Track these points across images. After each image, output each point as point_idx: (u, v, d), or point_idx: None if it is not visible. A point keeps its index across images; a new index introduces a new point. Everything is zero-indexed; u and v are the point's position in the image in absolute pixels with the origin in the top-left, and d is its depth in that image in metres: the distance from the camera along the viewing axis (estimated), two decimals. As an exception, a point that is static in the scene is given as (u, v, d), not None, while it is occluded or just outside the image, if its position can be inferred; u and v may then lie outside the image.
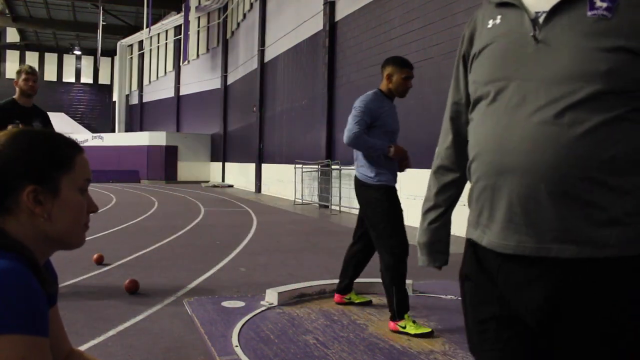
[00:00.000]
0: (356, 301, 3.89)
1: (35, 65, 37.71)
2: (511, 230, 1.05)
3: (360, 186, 3.51)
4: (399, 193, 3.55)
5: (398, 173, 3.56)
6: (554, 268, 1.01)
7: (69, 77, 39.07)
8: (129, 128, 33.11)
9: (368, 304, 3.88)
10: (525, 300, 1.05)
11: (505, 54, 1.08)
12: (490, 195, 1.09)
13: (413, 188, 8.69)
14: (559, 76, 0.99)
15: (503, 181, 1.04)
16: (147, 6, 26.02)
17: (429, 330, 3.24)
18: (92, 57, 37.39)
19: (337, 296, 3.92)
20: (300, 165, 14.22)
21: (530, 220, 1.01)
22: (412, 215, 9.58)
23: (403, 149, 3.45)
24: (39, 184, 0.97)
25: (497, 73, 1.08)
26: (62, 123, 34.12)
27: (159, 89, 30.68)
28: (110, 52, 36.70)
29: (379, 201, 3.40)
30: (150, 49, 31.25)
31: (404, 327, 3.24)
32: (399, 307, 3.29)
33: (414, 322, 3.27)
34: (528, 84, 1.02)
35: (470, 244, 1.23)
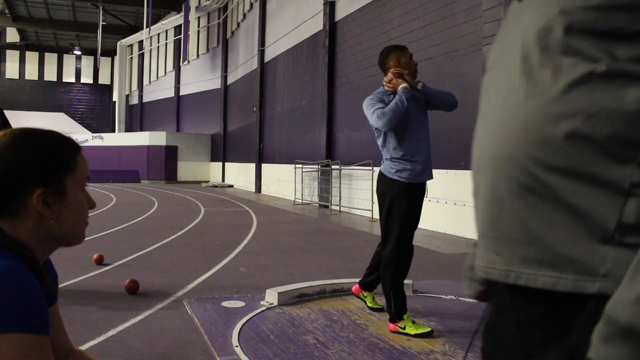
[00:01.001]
0: (369, 304, 3.78)
1: (35, 66, 37.82)
2: (484, 247, 0.82)
3: (381, 177, 3.39)
4: None
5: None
6: (529, 304, 0.74)
7: (69, 77, 39.06)
8: (129, 128, 33.11)
9: (378, 310, 3.76)
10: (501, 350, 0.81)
11: (500, 31, 0.89)
12: (475, 203, 0.86)
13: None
14: (526, 30, 0.76)
15: (478, 182, 0.83)
16: (147, 6, 26.02)
17: (429, 329, 3.23)
18: (92, 57, 37.39)
19: (356, 287, 3.86)
20: (300, 165, 14.22)
21: (498, 231, 0.77)
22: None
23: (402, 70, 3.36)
24: (47, 187, 0.97)
25: (491, 54, 0.89)
26: (62, 123, 34.15)
27: (159, 89, 30.68)
28: (110, 52, 36.70)
29: (395, 198, 3.28)
30: (150, 49, 31.24)
31: (404, 328, 3.24)
32: (397, 310, 3.28)
33: (413, 322, 3.27)
34: (508, 53, 0.81)
35: None
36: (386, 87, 3.40)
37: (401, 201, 3.29)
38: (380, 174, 3.43)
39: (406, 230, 3.31)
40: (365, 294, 3.82)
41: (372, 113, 3.30)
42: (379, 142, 3.44)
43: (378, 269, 3.68)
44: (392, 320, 3.30)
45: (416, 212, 3.36)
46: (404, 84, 3.34)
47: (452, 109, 3.60)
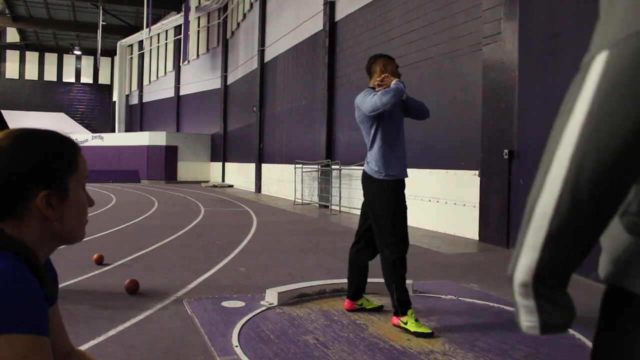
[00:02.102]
0: (368, 307, 3.77)
1: (35, 66, 37.81)
2: None
3: (367, 179, 3.51)
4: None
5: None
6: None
7: (69, 77, 39.06)
8: (129, 128, 33.10)
9: (379, 309, 3.77)
10: None
11: None
12: None
13: (413, 188, 8.68)
14: None
15: None
16: (147, 6, 26.01)
17: (429, 331, 3.24)
18: (92, 57, 37.39)
19: (347, 302, 3.77)
20: (300, 165, 14.22)
21: None
22: (413, 216, 9.57)
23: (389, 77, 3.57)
24: (50, 188, 0.98)
25: None
26: (62, 123, 34.13)
27: (159, 89, 30.67)
28: (110, 52, 36.69)
29: (386, 196, 3.40)
30: (150, 49, 31.24)
31: (406, 323, 3.26)
32: (400, 303, 3.32)
33: (416, 320, 3.28)
34: None
35: None
36: (377, 89, 3.54)
37: (395, 198, 3.42)
38: (366, 175, 3.53)
39: (399, 226, 3.42)
40: (359, 302, 3.79)
41: (371, 98, 3.43)
42: (368, 141, 3.54)
43: (358, 274, 3.73)
44: (397, 313, 3.32)
45: (404, 206, 3.50)
46: (395, 80, 3.50)
47: (426, 117, 3.80)
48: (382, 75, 3.54)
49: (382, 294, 4.15)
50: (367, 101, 3.44)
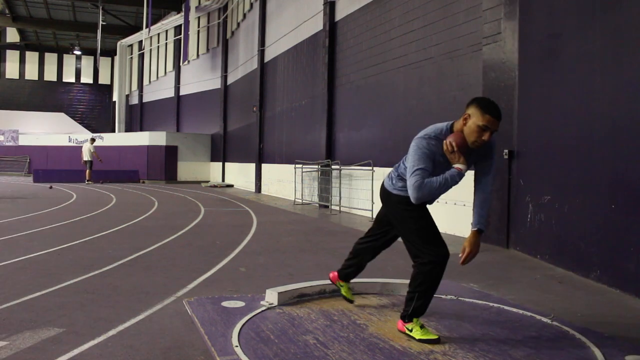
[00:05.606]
0: (343, 293, 3.83)
1: (35, 66, 37.84)
2: None
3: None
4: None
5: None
6: None
7: (69, 77, 39.07)
8: (129, 128, 33.10)
9: (349, 302, 3.81)
10: None
11: None
12: None
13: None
14: None
15: None
16: (147, 6, 26.02)
17: (436, 337, 3.10)
18: (92, 57, 37.40)
19: (334, 274, 3.87)
20: (300, 165, 14.22)
21: None
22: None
23: None
24: None
25: None
26: (62, 123, 34.16)
27: (159, 89, 30.67)
28: (110, 52, 36.70)
29: None
30: (150, 49, 31.24)
31: (411, 330, 3.17)
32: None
33: (422, 326, 3.16)
34: None
35: None
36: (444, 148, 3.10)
37: None
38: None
39: None
40: (342, 283, 3.85)
41: (412, 171, 3.01)
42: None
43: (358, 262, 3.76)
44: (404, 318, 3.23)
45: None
46: (461, 166, 3.06)
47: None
48: (449, 143, 3.06)
49: (382, 294, 4.16)
50: (410, 162, 3.01)
